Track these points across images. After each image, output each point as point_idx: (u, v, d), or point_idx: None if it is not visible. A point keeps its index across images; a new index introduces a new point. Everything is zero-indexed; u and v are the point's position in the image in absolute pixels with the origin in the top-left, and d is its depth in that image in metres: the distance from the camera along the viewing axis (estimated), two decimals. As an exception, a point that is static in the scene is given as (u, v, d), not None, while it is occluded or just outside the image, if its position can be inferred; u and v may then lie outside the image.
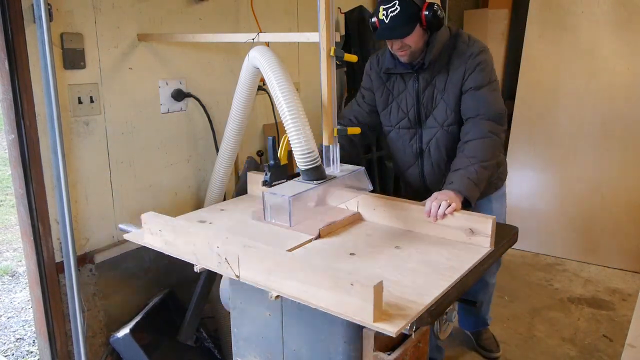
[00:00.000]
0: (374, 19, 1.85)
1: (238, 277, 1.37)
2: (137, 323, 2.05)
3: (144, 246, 1.84)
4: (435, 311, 1.21)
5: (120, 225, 1.83)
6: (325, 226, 1.68)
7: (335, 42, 1.50)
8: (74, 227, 1.84)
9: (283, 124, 1.52)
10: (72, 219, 1.81)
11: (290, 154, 1.62)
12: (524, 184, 3.71)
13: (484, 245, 1.57)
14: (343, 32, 3.09)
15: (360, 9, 3.10)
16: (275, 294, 1.28)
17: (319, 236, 1.66)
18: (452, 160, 1.88)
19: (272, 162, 1.62)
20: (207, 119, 2.30)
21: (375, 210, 1.80)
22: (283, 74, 1.58)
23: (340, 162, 1.66)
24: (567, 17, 3.62)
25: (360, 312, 1.14)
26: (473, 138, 1.83)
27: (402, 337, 1.34)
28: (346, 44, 3.08)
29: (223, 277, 1.79)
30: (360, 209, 1.84)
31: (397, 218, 1.76)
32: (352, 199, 1.80)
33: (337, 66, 1.58)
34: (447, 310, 1.56)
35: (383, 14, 1.77)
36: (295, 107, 1.51)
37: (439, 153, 1.99)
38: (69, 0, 1.78)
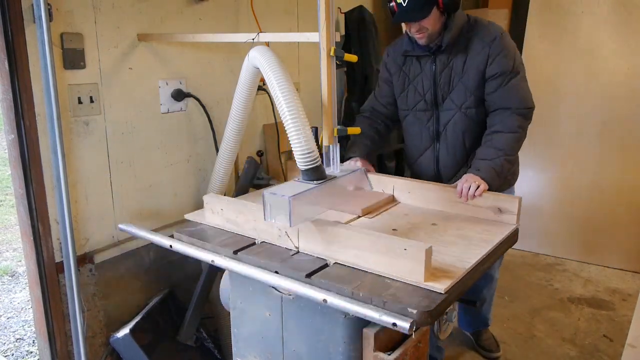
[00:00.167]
0: (391, 4, 1.86)
1: (297, 247, 1.51)
2: (137, 323, 2.05)
3: (144, 246, 1.84)
4: (435, 311, 1.21)
5: (120, 225, 1.83)
6: (367, 206, 1.80)
7: (335, 42, 1.50)
8: (74, 227, 1.84)
9: (283, 124, 1.52)
10: (72, 219, 1.81)
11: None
12: (523, 184, 3.67)
13: (510, 222, 1.72)
14: (343, 32, 3.09)
15: (360, 9, 3.10)
16: (333, 262, 1.43)
17: (360, 216, 1.78)
18: (468, 146, 1.96)
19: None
20: (207, 119, 2.30)
21: (410, 193, 1.92)
22: (283, 74, 1.58)
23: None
24: (567, 17, 3.61)
25: (413, 273, 1.29)
26: (502, 130, 1.89)
27: (402, 337, 1.34)
28: (346, 44, 3.08)
29: (223, 277, 1.79)
30: (396, 193, 1.96)
31: (431, 200, 1.88)
32: (351, 199, 1.81)
33: (337, 66, 1.58)
34: (447, 310, 1.56)
35: None
36: (295, 107, 1.51)
37: (456, 136, 2.00)
38: (69, 0, 1.78)
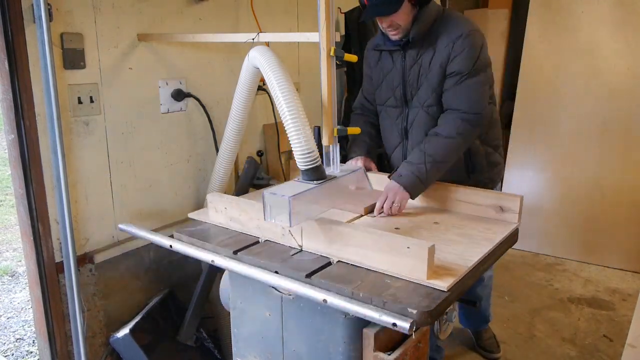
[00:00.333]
0: None
1: (301, 246, 1.52)
2: (137, 323, 2.05)
3: (144, 246, 1.84)
4: (435, 311, 1.21)
5: (120, 225, 1.83)
6: (369, 205, 1.79)
7: (335, 42, 1.50)
8: (74, 227, 1.84)
9: (283, 124, 1.52)
10: (72, 219, 1.81)
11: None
12: (524, 184, 3.71)
13: (512, 221, 1.72)
14: (343, 32, 3.09)
15: (360, 9, 3.10)
16: (336, 260, 1.44)
17: (362, 215, 1.78)
18: None
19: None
20: (207, 119, 2.30)
21: None
22: (283, 74, 1.58)
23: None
24: (567, 17, 3.62)
25: (415, 271, 1.30)
26: (440, 134, 1.82)
27: (402, 337, 1.34)
28: (346, 44, 3.08)
29: (223, 277, 1.79)
30: None
31: (433, 198, 1.89)
32: (352, 199, 1.81)
33: (337, 66, 1.58)
34: (447, 310, 1.56)
35: None
36: (295, 107, 1.51)
37: (421, 135, 1.93)
38: (69, 0, 1.78)
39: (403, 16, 1.79)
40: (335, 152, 1.62)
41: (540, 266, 3.53)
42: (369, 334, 1.28)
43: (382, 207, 1.75)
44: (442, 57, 1.83)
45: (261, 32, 1.80)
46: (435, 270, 1.33)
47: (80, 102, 1.86)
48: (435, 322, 1.61)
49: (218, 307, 2.12)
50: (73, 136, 1.87)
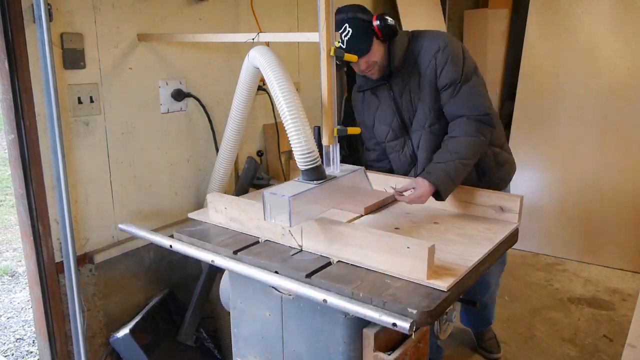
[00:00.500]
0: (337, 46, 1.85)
1: (301, 246, 1.53)
2: (137, 323, 2.05)
3: (144, 246, 1.84)
4: (435, 311, 1.21)
5: (120, 225, 1.83)
6: (369, 205, 1.82)
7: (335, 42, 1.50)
8: (74, 227, 1.84)
9: (283, 124, 1.52)
10: (72, 219, 1.81)
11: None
12: (523, 184, 3.70)
13: (512, 221, 1.73)
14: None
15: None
16: (336, 260, 1.45)
17: (362, 215, 1.80)
18: None
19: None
20: (207, 119, 2.30)
21: (412, 192, 1.88)
22: (283, 74, 1.58)
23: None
24: (567, 17, 3.62)
25: (415, 271, 1.31)
26: (459, 135, 1.84)
27: (402, 337, 1.34)
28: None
29: (223, 277, 1.79)
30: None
31: (433, 199, 1.84)
32: (352, 199, 1.81)
33: (337, 66, 1.58)
34: (447, 310, 1.56)
35: (339, 41, 1.76)
36: (295, 107, 1.51)
37: (428, 156, 1.96)
38: (69, 0, 1.78)
39: (376, 53, 1.83)
40: (335, 152, 1.62)
41: (540, 266, 3.53)
42: (369, 334, 1.28)
43: (403, 194, 1.76)
44: (429, 75, 1.86)
45: (261, 32, 1.80)
46: (435, 270, 1.33)
47: (80, 102, 1.86)
48: (435, 322, 1.61)
49: (218, 307, 2.12)
50: (73, 136, 1.87)
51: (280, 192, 1.43)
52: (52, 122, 1.71)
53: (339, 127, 1.58)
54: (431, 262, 1.30)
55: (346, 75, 3.16)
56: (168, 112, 2.18)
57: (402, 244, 1.32)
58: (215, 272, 2.14)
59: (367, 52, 1.81)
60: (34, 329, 2.37)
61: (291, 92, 1.53)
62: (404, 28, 2.84)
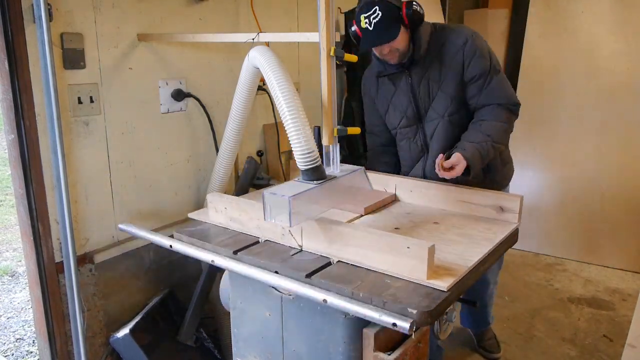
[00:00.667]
0: (354, 28, 1.84)
1: (301, 246, 1.52)
2: (137, 323, 2.05)
3: (144, 246, 1.83)
4: (435, 311, 1.21)
5: (120, 225, 1.83)
6: (369, 205, 1.82)
7: (335, 42, 1.50)
8: (74, 227, 1.84)
9: (283, 124, 1.52)
10: (72, 219, 1.81)
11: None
12: (523, 184, 3.70)
13: (512, 221, 1.73)
14: (343, 32, 3.09)
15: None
16: (336, 260, 1.45)
17: (362, 215, 1.80)
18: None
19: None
20: (207, 119, 2.30)
21: (412, 192, 1.94)
22: (283, 74, 1.58)
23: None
24: (567, 17, 3.62)
25: (415, 271, 1.30)
26: (490, 119, 1.87)
27: (402, 337, 1.34)
28: (346, 44, 3.08)
29: (223, 277, 1.79)
30: (397, 191, 1.98)
31: (433, 198, 1.90)
32: (352, 199, 1.81)
33: (337, 66, 1.58)
34: (447, 310, 1.56)
35: (365, 22, 1.75)
36: (295, 107, 1.51)
37: (443, 145, 1.96)
38: (69, 0, 1.78)
39: (401, 42, 1.82)
40: (335, 152, 1.62)
41: (540, 266, 3.53)
42: (369, 334, 1.28)
43: (442, 166, 1.73)
44: (454, 67, 1.88)
45: (261, 32, 1.80)
46: (435, 270, 1.33)
47: (80, 102, 1.86)
48: (435, 322, 1.61)
49: (218, 307, 2.12)
50: (73, 136, 1.87)
51: (280, 192, 1.43)
52: (52, 122, 1.71)
53: (339, 127, 1.58)
54: (431, 262, 1.30)
55: (346, 75, 3.16)
56: (168, 112, 2.18)
57: (402, 244, 1.32)
58: (215, 272, 2.14)
59: (394, 39, 1.78)
60: (34, 329, 2.37)
61: (291, 92, 1.53)
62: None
